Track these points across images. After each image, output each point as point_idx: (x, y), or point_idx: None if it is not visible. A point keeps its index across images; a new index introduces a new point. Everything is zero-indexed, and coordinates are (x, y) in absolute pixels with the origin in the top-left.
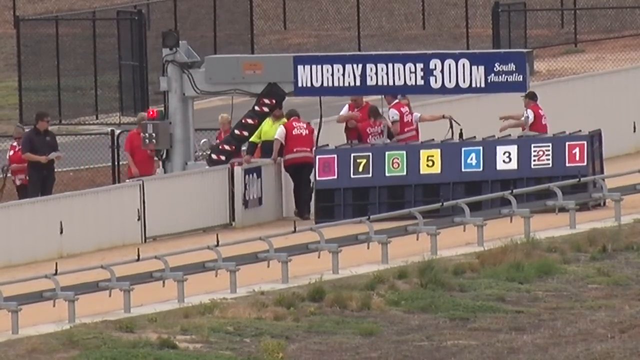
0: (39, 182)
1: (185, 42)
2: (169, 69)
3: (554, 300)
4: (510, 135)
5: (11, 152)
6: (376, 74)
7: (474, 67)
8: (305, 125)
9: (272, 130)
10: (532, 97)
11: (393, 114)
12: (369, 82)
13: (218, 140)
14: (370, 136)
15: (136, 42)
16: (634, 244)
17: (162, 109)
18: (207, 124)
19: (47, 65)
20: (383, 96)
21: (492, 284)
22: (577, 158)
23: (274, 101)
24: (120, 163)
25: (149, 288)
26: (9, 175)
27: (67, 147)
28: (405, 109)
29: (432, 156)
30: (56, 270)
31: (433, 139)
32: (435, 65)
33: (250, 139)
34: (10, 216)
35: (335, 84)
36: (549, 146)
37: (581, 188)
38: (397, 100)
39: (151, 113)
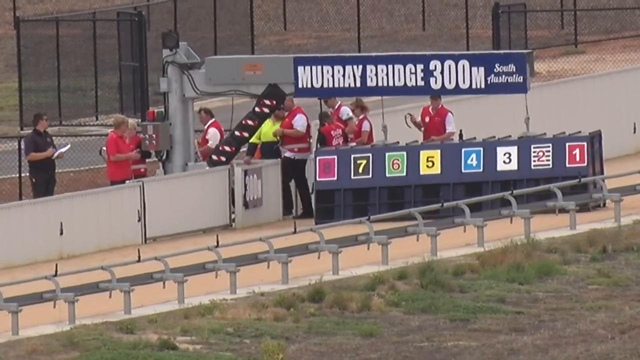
0: (44, 183)
1: (185, 43)
2: (169, 70)
3: (554, 301)
4: (511, 135)
5: None
6: (376, 75)
7: (474, 68)
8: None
9: (272, 131)
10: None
11: (347, 111)
12: (369, 83)
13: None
14: (334, 139)
15: (136, 43)
16: (634, 245)
17: (162, 109)
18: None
19: (47, 66)
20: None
21: (492, 285)
22: (577, 159)
23: (274, 102)
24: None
25: (149, 289)
26: None
27: None
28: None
29: (432, 157)
30: (56, 271)
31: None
32: (435, 66)
33: (250, 140)
34: (10, 217)
35: (336, 85)
36: (549, 147)
37: (581, 189)
38: (339, 103)
39: (151, 114)
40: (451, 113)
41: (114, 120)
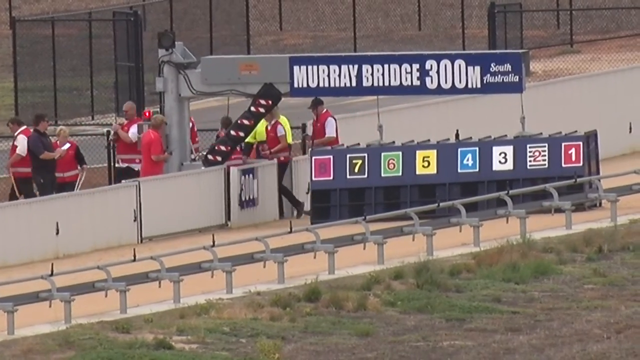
0: (50, 183)
1: (181, 42)
2: (165, 70)
3: (550, 301)
4: (507, 135)
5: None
6: (372, 74)
7: (470, 68)
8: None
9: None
10: (320, 103)
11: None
12: (364, 83)
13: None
14: None
15: (132, 42)
16: (630, 245)
17: (158, 109)
18: (203, 124)
19: (43, 66)
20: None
21: (488, 285)
22: (573, 159)
23: (270, 102)
24: (116, 165)
25: (145, 288)
26: None
27: None
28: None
29: (428, 157)
30: (52, 270)
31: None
32: (431, 66)
33: (246, 140)
34: (6, 216)
35: (331, 84)
36: (544, 147)
37: (577, 189)
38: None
39: (147, 114)
40: (333, 118)
41: (153, 119)
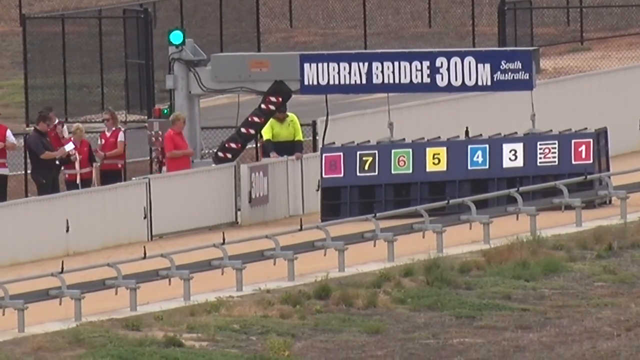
0: (51, 182)
1: (192, 40)
2: (175, 67)
3: (560, 298)
4: (517, 132)
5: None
6: (382, 72)
7: (480, 65)
8: None
9: (283, 131)
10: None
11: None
12: (374, 80)
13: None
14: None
15: (142, 40)
16: None
17: (168, 107)
18: (213, 122)
19: (53, 63)
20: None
21: (498, 282)
22: (583, 156)
23: (280, 99)
24: (127, 161)
25: (155, 286)
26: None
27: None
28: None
29: (438, 154)
30: (62, 268)
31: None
32: (442, 63)
33: (266, 138)
34: (16, 214)
35: (342, 82)
36: (555, 144)
37: (587, 186)
38: (57, 120)
39: (157, 112)
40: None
41: (171, 116)
